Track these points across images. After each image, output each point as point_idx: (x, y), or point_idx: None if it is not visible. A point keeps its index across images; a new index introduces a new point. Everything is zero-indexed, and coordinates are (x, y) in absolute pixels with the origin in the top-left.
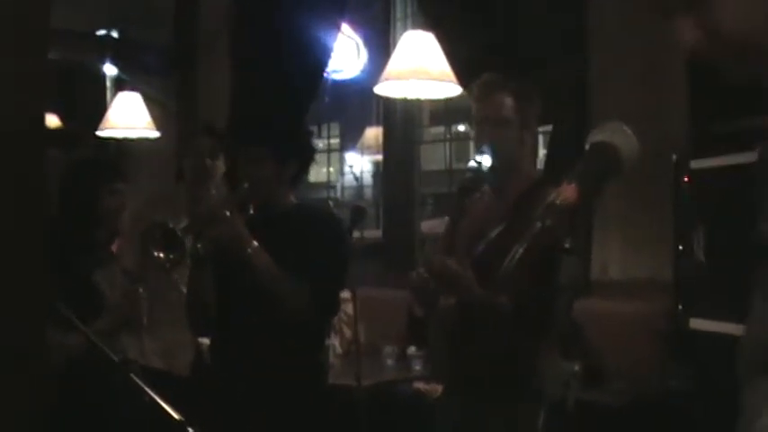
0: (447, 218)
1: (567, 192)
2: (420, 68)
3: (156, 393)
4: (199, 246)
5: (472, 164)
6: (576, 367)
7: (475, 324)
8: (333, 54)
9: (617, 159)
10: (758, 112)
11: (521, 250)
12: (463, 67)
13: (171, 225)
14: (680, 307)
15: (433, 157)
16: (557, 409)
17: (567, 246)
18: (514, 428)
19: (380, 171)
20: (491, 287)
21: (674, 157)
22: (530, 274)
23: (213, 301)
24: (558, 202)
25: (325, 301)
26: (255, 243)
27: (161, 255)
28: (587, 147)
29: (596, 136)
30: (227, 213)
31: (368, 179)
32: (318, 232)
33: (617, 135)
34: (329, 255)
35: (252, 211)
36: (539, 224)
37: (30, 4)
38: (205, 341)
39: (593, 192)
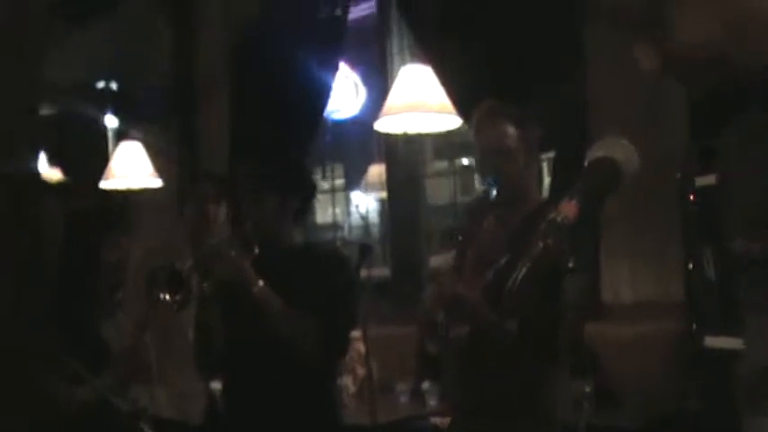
0: (454, 250)
1: (567, 209)
2: (419, 102)
3: None
4: (204, 286)
5: (481, 188)
6: (588, 388)
7: (485, 350)
8: (331, 93)
9: (616, 173)
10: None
11: (524, 270)
12: (462, 98)
13: (176, 266)
14: (693, 326)
15: (438, 192)
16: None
17: (570, 265)
18: None
19: (386, 208)
20: (499, 313)
21: (679, 175)
22: (534, 294)
23: (221, 343)
24: (558, 219)
25: (336, 339)
26: (261, 282)
27: (167, 297)
28: (586, 163)
29: (595, 152)
30: (232, 253)
31: (374, 217)
32: (325, 271)
33: (616, 149)
34: (337, 291)
35: (257, 251)
36: (540, 243)
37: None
38: (217, 386)
39: (594, 208)
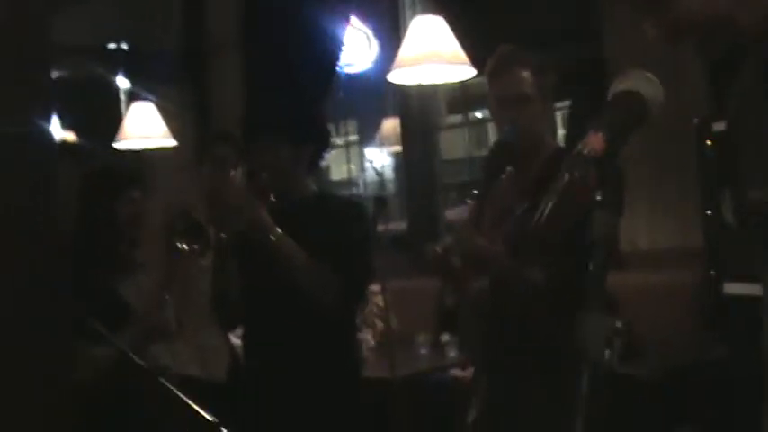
0: (471, 202)
1: (594, 141)
2: (432, 53)
3: (191, 399)
4: (222, 236)
5: (499, 138)
6: (619, 323)
7: (509, 299)
8: (344, 47)
9: (642, 107)
10: None
11: (550, 204)
12: (475, 47)
13: (194, 215)
14: (712, 273)
15: (452, 147)
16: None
17: (598, 198)
18: (557, 396)
19: (401, 161)
20: (522, 261)
21: (696, 120)
22: (561, 229)
23: (238, 294)
24: (585, 152)
25: (354, 287)
26: (279, 230)
27: (184, 246)
28: (610, 96)
29: (619, 85)
30: (248, 201)
31: (389, 172)
32: (342, 219)
33: (641, 82)
34: (354, 241)
35: (273, 199)
36: (566, 176)
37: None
38: (238, 342)
39: (621, 141)
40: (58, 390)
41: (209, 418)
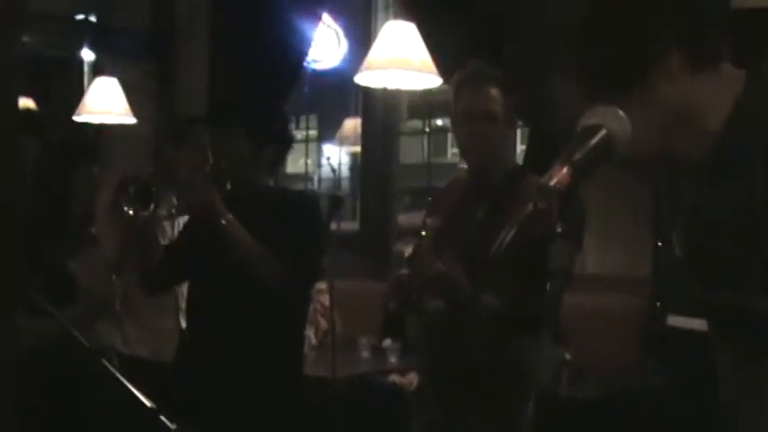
0: (425, 212)
1: (559, 174)
2: (401, 58)
3: (138, 380)
4: (174, 204)
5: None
6: (568, 355)
7: (464, 322)
8: (312, 43)
9: (608, 144)
10: None
11: (511, 233)
12: (444, 57)
13: (145, 179)
14: (657, 303)
15: (410, 151)
16: (546, 400)
17: (558, 230)
18: (502, 422)
19: (358, 163)
20: (478, 281)
21: None
22: (520, 258)
23: (163, 262)
24: (551, 183)
25: (300, 277)
26: (230, 216)
27: (130, 211)
28: (579, 129)
29: (589, 119)
30: (204, 181)
31: (345, 171)
32: (293, 211)
33: (608, 118)
34: (304, 233)
35: (228, 188)
36: (530, 206)
37: None
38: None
39: (585, 176)
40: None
41: (147, 403)
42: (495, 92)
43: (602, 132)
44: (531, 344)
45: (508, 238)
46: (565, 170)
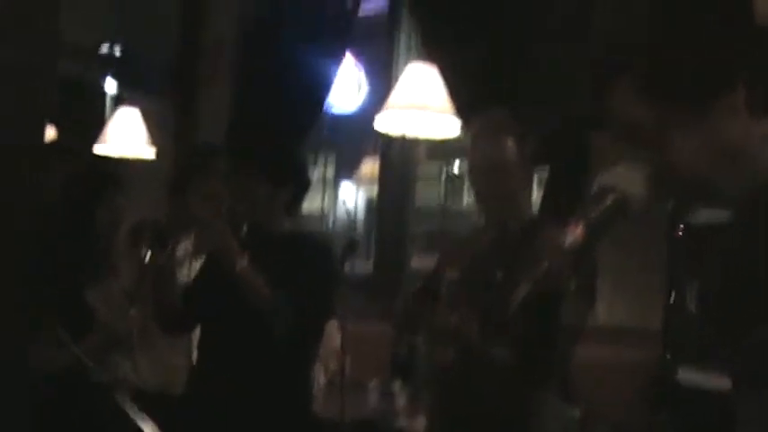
0: (438, 257)
1: (574, 233)
2: (421, 102)
3: (147, 414)
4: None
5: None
6: (578, 413)
7: (474, 372)
8: (334, 85)
9: (623, 204)
10: None
11: (526, 290)
12: (464, 102)
13: (161, 222)
14: (668, 357)
15: (427, 195)
16: None
17: (572, 287)
18: None
19: (374, 204)
20: (492, 338)
21: (670, 206)
22: (534, 315)
23: (181, 303)
24: (566, 243)
25: (310, 325)
26: (245, 261)
27: (148, 254)
28: (595, 188)
29: (604, 179)
30: (221, 224)
31: (360, 212)
32: (307, 256)
33: (625, 179)
34: (316, 270)
35: (245, 230)
36: (545, 264)
37: (38, 11)
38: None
39: (600, 235)
40: (14, 386)
41: None
42: (509, 143)
43: (618, 196)
44: (542, 399)
45: (522, 294)
46: (580, 229)
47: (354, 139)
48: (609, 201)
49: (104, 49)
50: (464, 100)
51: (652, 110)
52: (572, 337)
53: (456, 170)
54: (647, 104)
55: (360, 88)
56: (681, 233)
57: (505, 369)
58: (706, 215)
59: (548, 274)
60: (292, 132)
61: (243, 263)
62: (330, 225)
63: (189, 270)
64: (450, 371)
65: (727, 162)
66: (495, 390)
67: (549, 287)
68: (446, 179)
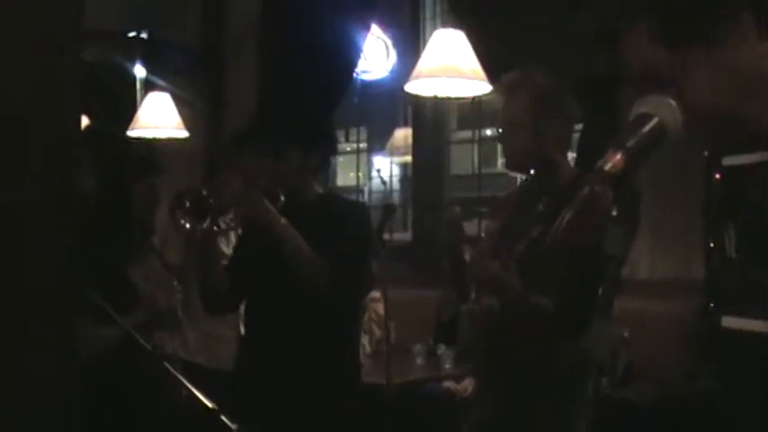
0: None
1: (614, 159)
2: (451, 66)
3: (196, 386)
4: (229, 219)
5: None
6: (626, 333)
7: (518, 321)
8: (362, 54)
9: (660, 131)
10: None
11: (568, 216)
12: (493, 65)
13: (202, 192)
14: (711, 305)
15: (461, 162)
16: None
17: (614, 213)
18: (560, 409)
19: (409, 173)
20: (533, 286)
21: (706, 152)
22: (577, 242)
23: (226, 283)
24: (606, 168)
25: (351, 273)
26: (284, 220)
27: (187, 224)
28: (632, 117)
29: (641, 107)
30: (258, 194)
31: (396, 183)
32: (345, 217)
33: (660, 107)
34: (356, 237)
35: (282, 200)
36: (586, 189)
37: (62, 6)
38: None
39: (639, 161)
40: (64, 364)
41: (209, 404)
42: (522, 101)
43: (655, 120)
44: (587, 330)
45: (565, 221)
46: (619, 156)
47: (385, 107)
48: (646, 127)
49: (131, 34)
50: (493, 63)
51: (667, 54)
52: (615, 265)
53: (488, 132)
54: (660, 50)
55: (388, 56)
56: (717, 177)
57: (545, 316)
58: (743, 158)
59: (589, 199)
60: (323, 101)
61: (281, 222)
62: (366, 196)
63: (228, 246)
64: (492, 316)
65: (749, 92)
66: (539, 333)
67: (590, 213)
68: (479, 143)
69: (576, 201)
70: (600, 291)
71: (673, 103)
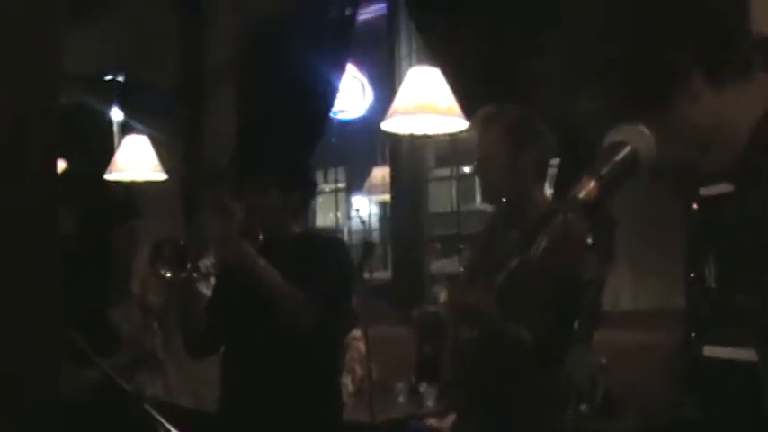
0: (457, 258)
1: (588, 187)
2: (427, 103)
3: (178, 428)
4: (208, 264)
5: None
6: (603, 359)
7: (497, 352)
8: (338, 94)
9: (633, 159)
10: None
11: (543, 244)
12: (469, 101)
13: (180, 242)
14: (693, 335)
15: (438, 200)
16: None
17: (589, 241)
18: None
19: (388, 212)
20: (511, 316)
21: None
22: (553, 268)
23: (206, 326)
24: (579, 196)
25: (332, 308)
26: (263, 261)
27: (168, 273)
28: (605, 145)
29: (614, 136)
30: (237, 237)
31: (375, 221)
32: (324, 253)
33: (633, 135)
34: (335, 273)
35: (261, 239)
36: (560, 216)
37: (41, 51)
38: None
39: (612, 189)
40: (44, 406)
41: None
42: (497, 134)
43: (628, 148)
44: (565, 356)
45: (541, 247)
46: (592, 183)
47: (362, 146)
48: (620, 154)
49: (107, 77)
50: (469, 100)
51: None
52: (593, 290)
53: (466, 169)
54: (624, 98)
55: (364, 94)
56: (695, 207)
57: (522, 347)
58: (720, 187)
59: (564, 226)
60: (300, 140)
61: (260, 264)
62: (345, 236)
63: (211, 287)
64: (471, 347)
65: (703, 146)
66: (518, 363)
67: (565, 239)
68: (457, 181)
69: (549, 229)
70: (578, 318)
71: (646, 131)
